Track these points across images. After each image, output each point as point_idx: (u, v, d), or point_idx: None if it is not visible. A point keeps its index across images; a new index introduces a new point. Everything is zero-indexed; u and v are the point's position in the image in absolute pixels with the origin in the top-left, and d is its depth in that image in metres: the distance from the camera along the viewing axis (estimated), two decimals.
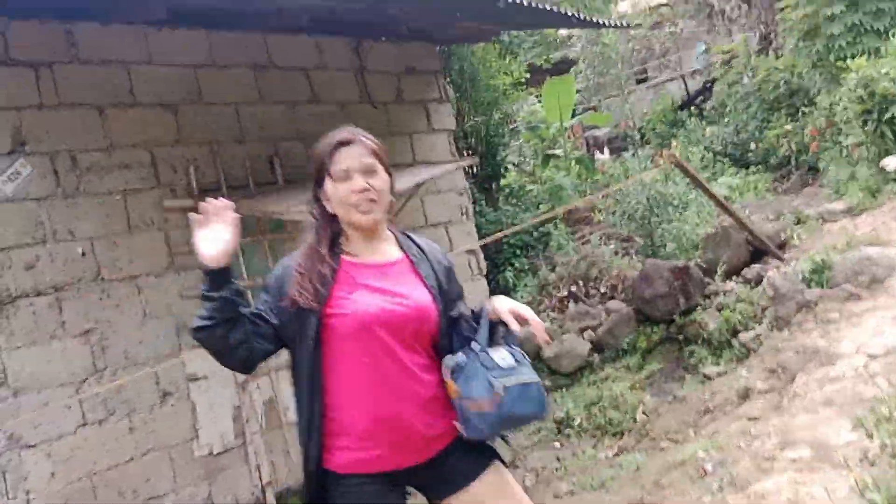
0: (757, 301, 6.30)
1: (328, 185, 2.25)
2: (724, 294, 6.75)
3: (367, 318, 2.18)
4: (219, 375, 5.47)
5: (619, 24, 11.22)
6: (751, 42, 15.97)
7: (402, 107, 7.61)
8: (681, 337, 6.84)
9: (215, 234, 2.12)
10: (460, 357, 2.24)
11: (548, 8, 6.44)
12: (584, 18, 7.67)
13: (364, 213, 2.24)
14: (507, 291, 9.56)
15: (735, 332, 6.18)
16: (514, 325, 2.24)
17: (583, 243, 10.27)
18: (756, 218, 8.69)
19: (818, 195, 10.93)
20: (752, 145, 13.36)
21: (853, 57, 9.80)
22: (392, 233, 2.39)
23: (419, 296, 2.27)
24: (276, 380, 5.84)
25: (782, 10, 11.97)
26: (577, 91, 16.15)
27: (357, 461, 2.19)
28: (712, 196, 7.75)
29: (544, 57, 13.09)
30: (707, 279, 7.25)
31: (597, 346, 7.47)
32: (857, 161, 9.75)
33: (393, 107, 7.50)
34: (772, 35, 15.26)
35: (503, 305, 2.29)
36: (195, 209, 2.20)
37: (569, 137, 15.04)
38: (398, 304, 2.23)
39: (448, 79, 9.38)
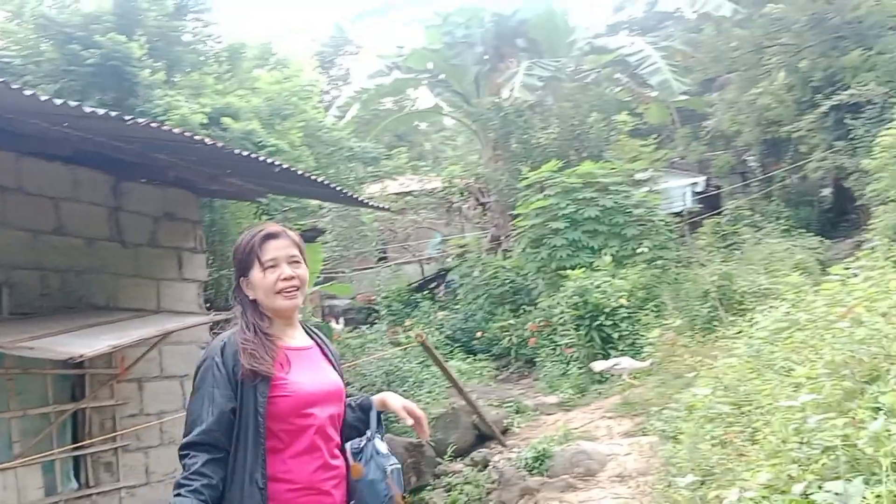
0: (483, 484, 6.60)
1: (256, 273, 2.39)
2: (453, 475, 7.00)
3: (307, 396, 2.32)
4: None
5: (379, 206, 11.88)
6: (483, 240, 17.55)
7: (155, 251, 7.36)
8: None
9: None
10: (360, 442, 2.47)
11: (320, 180, 6.73)
12: (349, 195, 8.07)
13: (289, 298, 2.40)
14: None
15: None
16: (408, 420, 2.48)
17: None
18: (481, 403, 9.23)
19: (534, 387, 11.92)
20: (479, 334, 14.37)
21: (572, 268, 11.14)
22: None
23: (335, 379, 2.46)
24: None
25: (515, 217, 13.43)
26: (323, 261, 16.53)
27: None
28: (451, 378, 8.19)
29: (298, 223, 13.38)
30: (437, 458, 7.50)
31: None
32: (569, 360, 10.86)
33: (145, 250, 7.23)
34: (503, 237, 16.89)
35: (396, 402, 2.52)
36: None
37: (310, 303, 15.19)
38: (326, 386, 2.40)
39: None
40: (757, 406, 4.87)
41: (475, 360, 12.34)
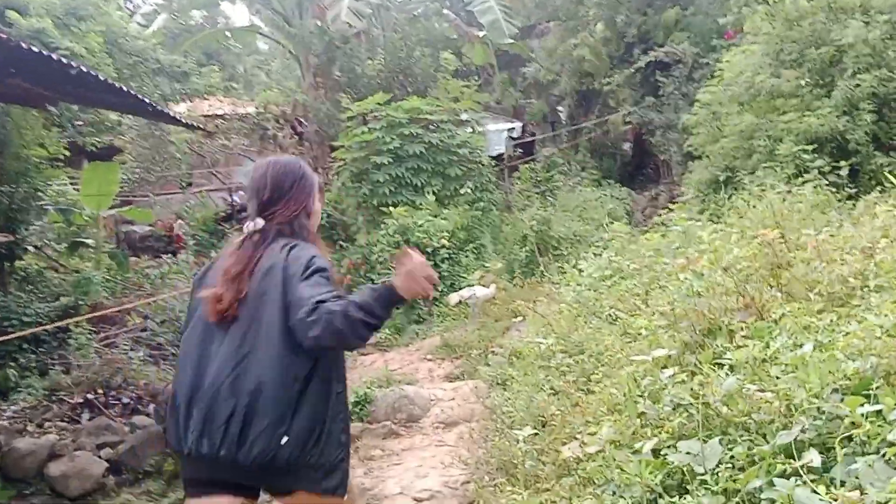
0: None
1: (317, 201, 2.70)
2: None
3: None
4: None
5: (192, 125, 10.84)
6: None
7: None
8: None
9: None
10: None
11: (125, 89, 5.89)
12: (158, 108, 7.21)
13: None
14: (5, 392, 8.15)
15: None
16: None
17: (107, 346, 9.29)
18: None
19: None
20: None
21: (394, 205, 10.82)
22: None
23: None
24: None
25: (335, 149, 12.85)
26: (120, 183, 15.14)
27: None
28: None
29: (93, 139, 12.04)
30: None
31: (115, 467, 6.63)
32: None
33: None
34: (320, 169, 16.24)
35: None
36: None
37: (103, 228, 13.88)
38: None
39: None
40: (590, 355, 4.83)
41: None
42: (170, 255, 15.14)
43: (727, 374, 3.04)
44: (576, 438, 3.67)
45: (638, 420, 3.33)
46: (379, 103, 12.00)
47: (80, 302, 9.80)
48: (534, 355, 5.58)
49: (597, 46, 19.83)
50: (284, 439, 2.23)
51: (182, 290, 9.05)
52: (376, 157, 11.52)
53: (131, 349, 8.89)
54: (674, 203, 17.77)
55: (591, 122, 22.73)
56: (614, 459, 3.00)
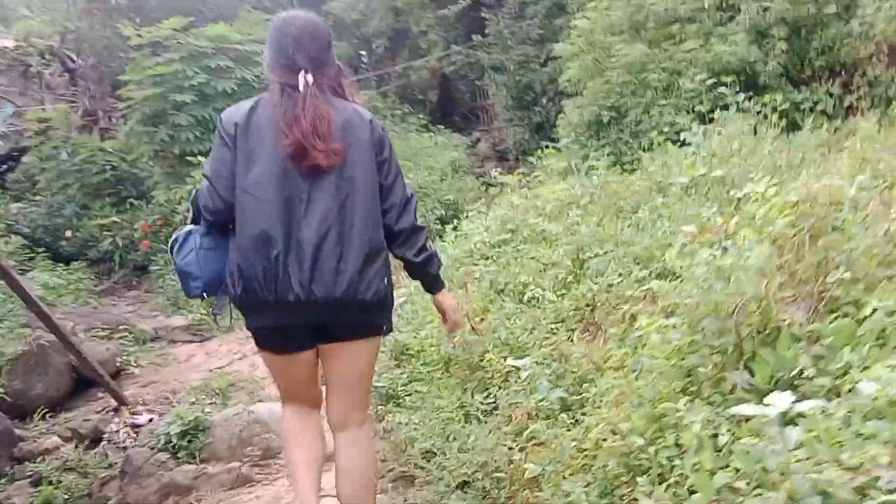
0: (95, 471, 4.38)
1: None
2: (45, 457, 4.63)
3: None
4: None
5: None
6: (73, 115, 14.00)
7: None
8: None
9: None
10: None
11: None
12: None
13: None
14: None
15: None
16: None
17: None
18: (82, 335, 6.71)
19: (149, 302, 9.50)
20: (68, 233, 11.31)
21: (202, 154, 8.80)
22: None
23: None
24: None
25: (119, 87, 10.48)
26: None
27: None
28: (31, 300, 5.54)
29: None
30: (19, 427, 5.02)
31: None
32: None
33: None
34: (100, 112, 13.60)
35: None
36: None
37: None
38: None
39: None
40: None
41: (66, 269, 9.44)
42: None
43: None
44: None
45: None
46: (175, 29, 9.78)
47: None
48: (435, 354, 4.12)
49: None
50: (386, 279, 2.52)
51: None
52: (176, 94, 9.37)
53: None
54: (500, 152, 16.82)
55: (398, 67, 21.31)
56: None
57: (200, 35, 9.81)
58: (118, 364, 6.26)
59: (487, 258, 4.99)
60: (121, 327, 7.03)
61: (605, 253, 4.12)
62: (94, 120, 13.83)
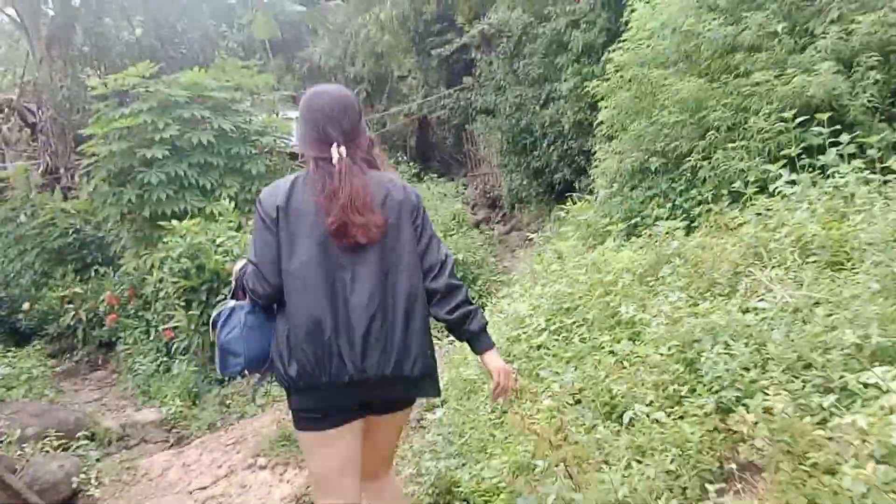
0: None
1: None
2: None
3: None
4: None
5: None
6: (33, 173, 12.81)
7: None
8: None
9: None
10: None
11: None
12: None
13: None
14: None
15: None
16: None
17: None
18: (34, 444, 5.48)
19: (117, 386, 8.28)
20: (26, 306, 10.09)
21: (175, 216, 7.68)
22: None
23: None
24: None
25: (83, 141, 9.33)
26: None
27: None
28: None
29: None
30: None
31: None
32: (174, 351, 7.46)
33: None
34: (63, 170, 12.43)
35: None
36: None
37: None
38: None
39: None
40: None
41: (17, 354, 8.18)
42: None
43: None
44: None
45: None
46: (143, 76, 8.69)
47: None
48: None
49: (390, 23, 17.50)
50: (429, 350, 2.49)
51: None
52: (146, 149, 8.24)
53: None
54: (492, 199, 15.74)
55: (377, 114, 20.45)
56: None
57: (172, 82, 8.73)
58: (74, 485, 5.04)
59: (547, 350, 3.88)
60: (79, 434, 5.81)
61: (727, 349, 3.04)
62: (56, 178, 12.65)
